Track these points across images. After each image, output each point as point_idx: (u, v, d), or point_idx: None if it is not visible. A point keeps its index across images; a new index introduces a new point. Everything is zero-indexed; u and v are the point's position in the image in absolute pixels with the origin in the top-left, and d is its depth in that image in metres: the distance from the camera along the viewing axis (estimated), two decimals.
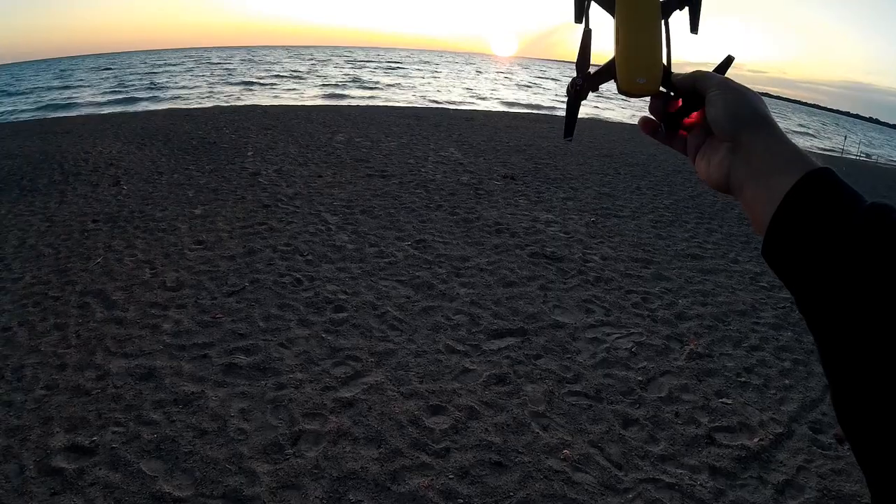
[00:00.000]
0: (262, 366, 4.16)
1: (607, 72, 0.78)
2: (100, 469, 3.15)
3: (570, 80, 0.80)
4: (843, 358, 0.52)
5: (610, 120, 26.71)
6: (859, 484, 3.47)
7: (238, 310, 4.95)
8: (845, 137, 39.12)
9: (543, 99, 37.91)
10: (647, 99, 0.78)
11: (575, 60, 0.79)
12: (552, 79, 68.10)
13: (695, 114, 0.75)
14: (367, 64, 67.52)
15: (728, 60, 0.76)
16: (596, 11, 0.79)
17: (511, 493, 3.14)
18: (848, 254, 0.53)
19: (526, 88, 47.22)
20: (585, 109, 32.98)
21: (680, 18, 0.79)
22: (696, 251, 7.31)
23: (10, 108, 26.79)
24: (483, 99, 33.40)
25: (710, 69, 0.75)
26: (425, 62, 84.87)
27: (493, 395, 3.99)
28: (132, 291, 5.26)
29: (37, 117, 20.80)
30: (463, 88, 40.25)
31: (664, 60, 0.75)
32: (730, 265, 6.94)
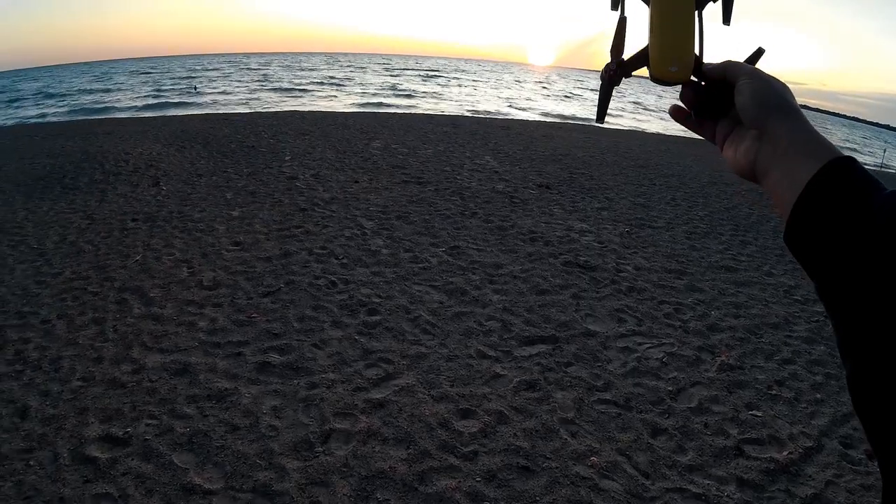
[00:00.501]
0: (296, 365, 4.23)
1: (641, 59, 0.80)
2: (132, 459, 3.24)
3: (605, 65, 0.82)
4: (861, 343, 0.53)
5: (647, 131, 26.53)
6: None
7: (273, 310, 5.03)
8: (884, 151, 38.38)
9: (580, 109, 37.80)
10: (678, 88, 0.79)
11: (609, 48, 0.81)
12: (590, 89, 67.88)
13: (724, 102, 0.76)
14: (405, 72, 67.84)
15: (758, 52, 0.78)
16: (631, 1, 0.81)
17: (537, 498, 3.16)
18: (868, 240, 0.54)
19: (563, 98, 47.10)
20: (626, 122, 32.57)
21: (713, 11, 0.81)
22: (731, 263, 7.26)
23: (52, 109, 27.42)
24: (520, 108, 33.37)
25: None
26: (462, 71, 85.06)
27: (523, 400, 4.02)
28: (169, 289, 5.37)
29: (78, 118, 21.26)
30: (499, 97, 40.27)
31: (696, 50, 0.77)
32: (764, 278, 6.87)
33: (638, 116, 36.10)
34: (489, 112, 29.09)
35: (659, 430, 3.83)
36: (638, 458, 3.54)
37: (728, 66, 0.75)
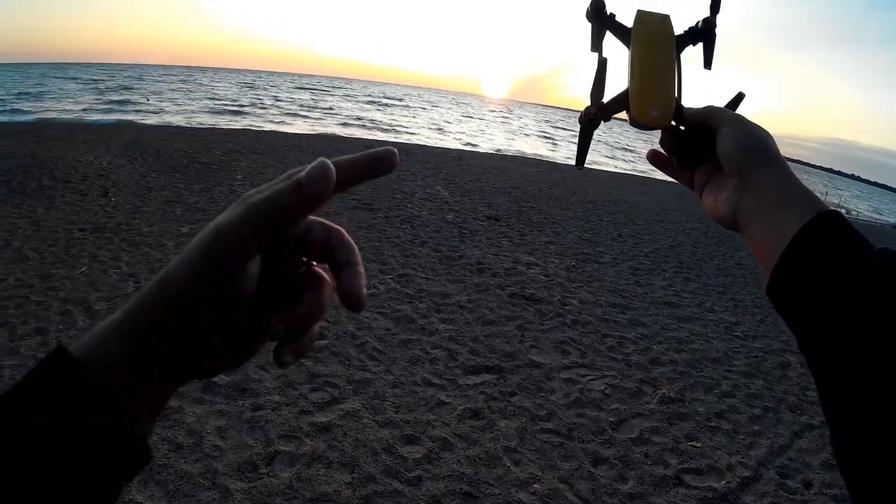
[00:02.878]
0: (241, 386, 4.19)
1: (620, 102, 0.80)
2: None
3: (583, 109, 0.82)
4: (845, 401, 0.52)
5: (596, 168, 27.02)
6: None
7: None
8: (826, 192, 39.75)
9: (532, 143, 38.29)
10: (654, 132, 0.79)
11: (590, 90, 0.81)
12: (546, 121, 68.83)
13: (703, 149, 0.76)
14: (356, 95, 67.77)
15: (739, 97, 0.79)
16: (609, 41, 0.81)
17: None
18: (857, 296, 0.53)
19: (516, 132, 47.67)
20: (568, 155, 32.91)
21: (691, 55, 0.82)
22: (673, 299, 7.44)
23: None
24: (472, 140, 33.62)
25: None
26: (417, 98, 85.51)
27: (467, 428, 4.05)
28: (115, 303, 5.28)
29: (24, 120, 20.77)
30: (452, 128, 40.53)
31: (676, 94, 0.78)
32: (705, 314, 7.06)
33: (590, 155, 36.70)
34: (442, 141, 29.23)
35: (600, 459, 3.91)
36: (580, 486, 3.60)
37: (710, 111, 0.74)
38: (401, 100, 69.56)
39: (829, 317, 0.54)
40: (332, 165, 0.45)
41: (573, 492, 3.56)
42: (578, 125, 0.84)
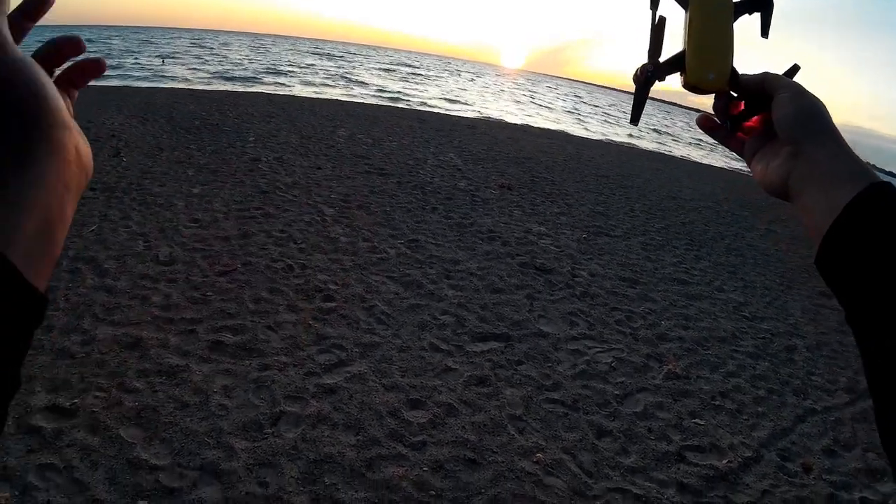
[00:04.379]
0: (248, 346, 4.21)
1: (675, 64, 0.78)
2: (78, 431, 3.19)
3: (639, 66, 0.80)
4: (887, 388, 0.51)
5: (613, 142, 26.82)
6: None
7: (228, 290, 4.99)
8: None
9: (546, 115, 37.97)
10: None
11: (648, 47, 0.79)
12: (563, 94, 68.20)
13: (757, 116, 0.76)
14: (369, 61, 67.26)
15: (795, 68, 0.76)
16: (665, 3, 0.79)
17: (482, 490, 3.20)
18: None
19: (531, 103, 47.25)
20: (596, 129, 32.66)
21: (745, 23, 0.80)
22: (683, 276, 7.40)
23: None
24: (486, 109, 33.34)
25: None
26: (431, 67, 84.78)
27: (473, 395, 4.06)
28: (124, 262, 5.29)
29: None
30: (467, 96, 40.21)
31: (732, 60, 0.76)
32: (714, 293, 7.03)
33: (605, 127, 36.38)
34: (456, 109, 28.99)
35: (604, 432, 3.91)
36: (582, 458, 3.61)
37: (767, 78, 0.73)
38: (416, 67, 69.01)
39: (881, 289, 0.53)
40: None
41: (576, 463, 3.56)
42: (634, 83, 0.83)
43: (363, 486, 3.10)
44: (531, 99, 51.53)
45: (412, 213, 8.03)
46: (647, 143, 31.13)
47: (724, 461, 3.84)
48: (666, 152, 27.27)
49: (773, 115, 0.70)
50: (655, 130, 42.24)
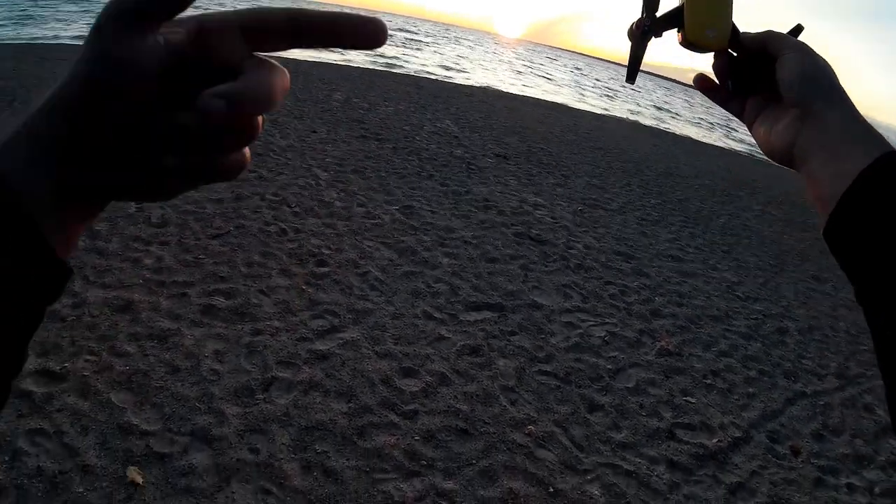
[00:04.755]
0: (241, 310, 4.16)
1: (672, 19, 0.75)
2: (69, 396, 3.14)
3: (634, 20, 0.76)
4: None
5: (612, 115, 26.68)
6: (808, 496, 3.58)
7: (221, 253, 4.93)
8: None
9: (544, 85, 37.72)
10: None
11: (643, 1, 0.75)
12: (561, 65, 67.72)
13: (759, 77, 0.72)
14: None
15: (798, 28, 0.72)
16: None
17: (473, 461, 3.19)
18: None
19: (529, 73, 46.90)
20: (590, 102, 32.39)
21: None
22: (678, 253, 7.39)
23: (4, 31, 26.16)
24: (485, 77, 33.07)
25: None
26: (430, 34, 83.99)
27: (466, 364, 4.04)
28: (115, 223, 5.21)
29: (28, 41, 20.32)
30: (465, 64, 39.87)
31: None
32: (709, 271, 7.03)
33: (604, 101, 36.17)
34: (453, 76, 28.72)
35: (596, 406, 3.91)
36: (574, 431, 3.61)
37: (770, 36, 0.69)
38: (415, 34, 68.27)
39: (892, 266, 0.50)
40: None
41: (567, 436, 3.56)
42: (629, 39, 0.79)
43: (354, 454, 3.08)
44: (530, 69, 51.14)
45: (407, 179, 7.96)
46: (647, 118, 30.95)
47: (714, 440, 3.85)
48: (665, 128, 27.17)
49: (777, 76, 0.66)
50: (655, 107, 42.03)
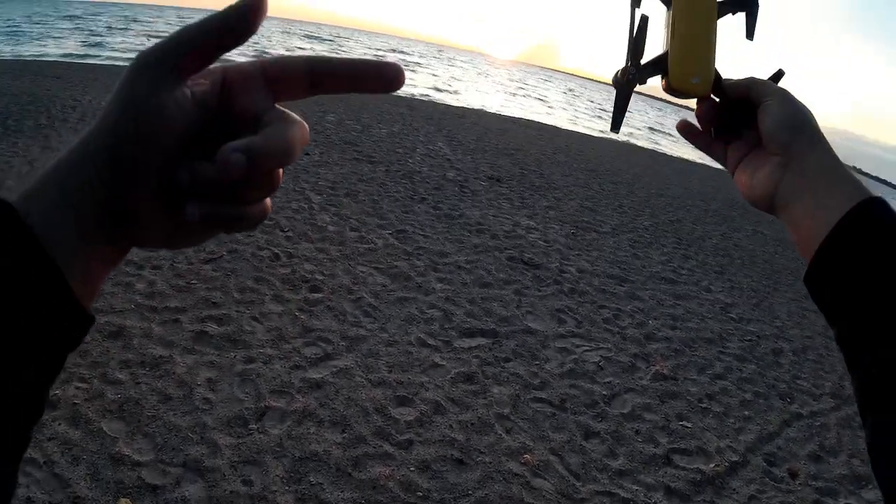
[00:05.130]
0: (233, 337, 4.13)
1: (656, 66, 0.75)
2: (59, 424, 3.11)
3: (619, 69, 0.77)
4: (889, 401, 0.48)
5: (604, 137, 26.80)
6: None
7: (213, 278, 4.91)
8: None
9: (536, 107, 37.89)
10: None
11: (628, 49, 0.75)
12: (554, 87, 68.02)
13: (741, 123, 0.72)
14: (360, 46, 66.73)
15: (779, 74, 0.73)
16: (647, 1, 0.76)
17: (470, 492, 3.16)
18: None
19: (522, 94, 47.10)
20: (583, 123, 32.55)
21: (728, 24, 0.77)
22: (671, 275, 7.40)
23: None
24: (476, 99, 33.19)
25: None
26: (423, 55, 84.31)
27: (461, 392, 4.02)
28: None
29: (23, 57, 20.30)
30: (459, 85, 40.03)
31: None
32: (702, 293, 7.03)
33: (596, 122, 36.31)
34: (445, 97, 28.82)
35: (592, 433, 3.89)
36: (570, 459, 3.58)
37: (753, 83, 0.70)
38: (409, 55, 68.56)
39: (875, 310, 0.51)
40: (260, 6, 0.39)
41: (563, 464, 3.54)
42: (614, 87, 0.79)
43: (349, 485, 3.05)
44: (522, 90, 51.41)
45: (400, 202, 7.96)
46: (639, 139, 31.10)
47: (711, 465, 3.83)
48: (657, 149, 27.31)
49: (759, 123, 0.67)
50: (649, 128, 42.24)
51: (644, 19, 0.74)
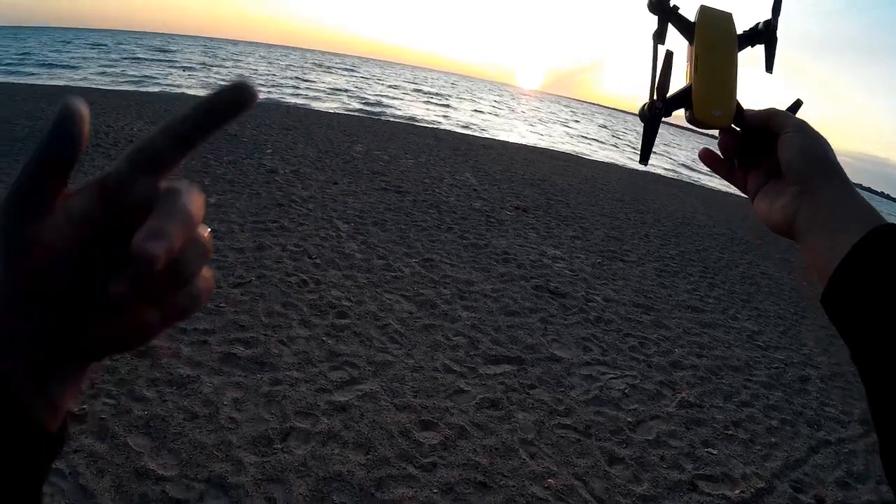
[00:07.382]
0: (260, 359, 4.19)
1: (681, 99, 0.78)
2: (86, 437, 3.17)
3: (645, 102, 0.79)
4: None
5: (625, 166, 26.76)
6: None
7: (242, 302, 4.98)
8: None
9: (563, 137, 37.97)
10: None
11: (655, 82, 0.78)
12: (579, 117, 68.15)
13: (761, 153, 0.75)
14: (389, 79, 67.35)
15: (797, 104, 0.76)
16: (670, 34, 0.79)
17: None
18: None
19: (547, 125, 47.21)
20: (612, 153, 32.56)
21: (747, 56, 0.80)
22: (697, 304, 7.36)
23: (37, 70, 26.87)
24: (504, 130, 33.34)
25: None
26: (448, 85, 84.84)
27: (485, 417, 4.02)
28: None
29: (58, 84, 20.79)
30: (484, 117, 40.24)
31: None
32: (728, 321, 6.98)
33: (621, 151, 36.31)
34: (472, 129, 28.96)
35: (616, 459, 3.86)
36: (594, 484, 3.56)
37: (773, 114, 0.73)
38: (443, 95, 69.08)
39: (887, 329, 0.53)
40: (78, 117, 0.37)
41: (587, 489, 3.52)
42: (640, 120, 0.82)
43: None
44: (548, 121, 51.56)
45: (427, 231, 8.02)
46: (663, 168, 31.03)
47: (737, 491, 3.79)
48: (681, 178, 27.22)
49: (779, 155, 0.70)
50: (671, 156, 42.11)
51: (669, 55, 0.77)
